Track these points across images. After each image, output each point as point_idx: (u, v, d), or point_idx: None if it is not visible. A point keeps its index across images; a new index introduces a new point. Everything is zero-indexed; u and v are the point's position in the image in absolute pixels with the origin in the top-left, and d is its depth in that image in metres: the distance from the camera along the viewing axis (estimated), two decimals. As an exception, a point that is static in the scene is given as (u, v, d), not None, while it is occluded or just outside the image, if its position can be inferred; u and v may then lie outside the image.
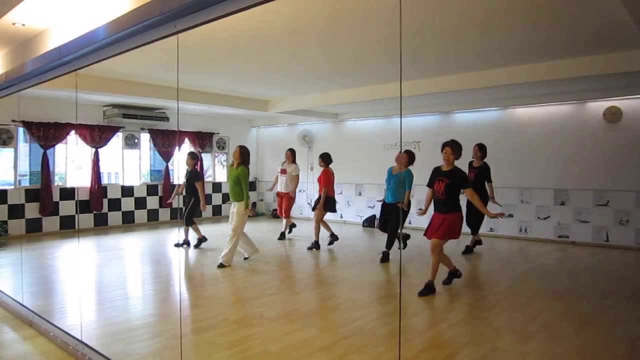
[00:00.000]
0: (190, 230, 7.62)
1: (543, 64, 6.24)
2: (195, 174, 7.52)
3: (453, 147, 4.95)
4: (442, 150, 5.00)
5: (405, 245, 6.89)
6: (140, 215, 10.41)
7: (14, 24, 4.83)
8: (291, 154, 8.31)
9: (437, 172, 5.05)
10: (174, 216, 10.90)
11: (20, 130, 8.76)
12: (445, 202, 4.88)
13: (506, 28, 4.88)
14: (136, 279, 6.22)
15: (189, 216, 7.55)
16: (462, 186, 4.94)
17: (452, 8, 4.33)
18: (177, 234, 9.78)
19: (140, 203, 10.41)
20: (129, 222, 10.20)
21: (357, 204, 10.80)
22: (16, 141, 8.67)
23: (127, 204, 10.21)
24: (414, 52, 5.75)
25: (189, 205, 7.50)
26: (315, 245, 7.40)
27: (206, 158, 11.64)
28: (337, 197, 10.92)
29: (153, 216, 10.61)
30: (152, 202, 10.62)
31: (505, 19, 4.61)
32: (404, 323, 4.11)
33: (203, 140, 11.32)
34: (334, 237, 7.66)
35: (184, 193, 7.68)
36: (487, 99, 8.47)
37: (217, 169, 11.96)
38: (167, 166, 10.73)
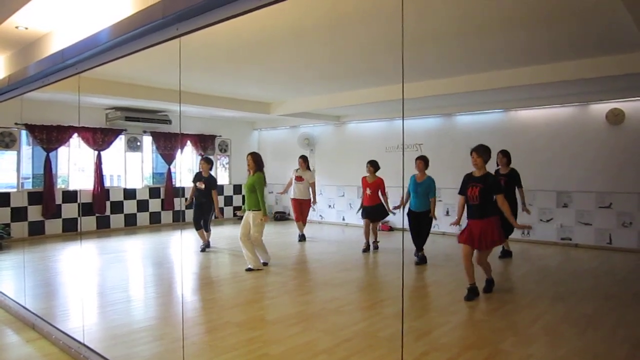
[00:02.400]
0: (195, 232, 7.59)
1: (545, 66, 6.24)
2: (213, 181, 7.45)
3: (479, 152, 4.91)
4: (471, 155, 4.98)
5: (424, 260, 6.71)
6: (143, 218, 10.42)
7: (17, 27, 4.85)
8: (304, 161, 8.55)
9: (469, 178, 5.00)
10: (177, 219, 10.91)
11: (23, 133, 8.79)
12: (481, 206, 4.85)
13: (508, 30, 4.89)
14: (138, 282, 6.22)
15: (206, 221, 7.47)
16: (495, 192, 4.91)
17: (454, 10, 4.34)
18: (179, 236, 9.80)
19: (142, 206, 10.42)
20: (131, 224, 10.20)
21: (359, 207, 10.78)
22: (19, 144, 8.69)
23: (130, 206, 10.22)
24: (416, 54, 5.75)
25: (204, 210, 7.40)
26: (374, 246, 7.54)
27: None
28: (339, 200, 11.03)
29: (155, 219, 10.61)
30: (155, 205, 10.62)
31: (507, 21, 4.61)
32: (407, 326, 4.10)
33: (205, 143, 11.33)
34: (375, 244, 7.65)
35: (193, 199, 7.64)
36: (489, 101, 8.45)
37: (219, 172, 11.96)
38: (169, 169, 10.74)
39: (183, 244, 8.76)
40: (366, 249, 7.41)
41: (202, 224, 7.47)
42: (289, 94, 9.03)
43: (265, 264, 6.26)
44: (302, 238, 8.50)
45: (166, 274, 6.48)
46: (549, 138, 8.22)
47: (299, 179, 8.49)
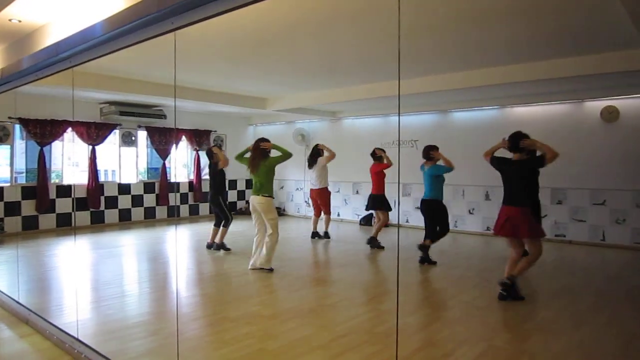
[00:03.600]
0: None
1: (541, 63, 6.25)
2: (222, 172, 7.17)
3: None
4: (517, 146, 5.06)
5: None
6: (137, 213, 10.38)
7: (10, 20, 4.80)
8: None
9: (508, 160, 4.98)
10: (171, 214, 10.88)
11: (17, 127, 8.72)
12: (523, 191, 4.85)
13: (504, 26, 4.88)
14: (133, 277, 6.20)
15: (227, 219, 6.96)
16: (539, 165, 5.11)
17: (450, 5, 4.33)
18: (174, 231, 9.77)
19: (137, 201, 10.38)
20: (125, 219, 10.17)
21: (354, 203, 10.81)
22: (12, 138, 8.63)
23: (124, 201, 10.18)
24: (412, 50, 5.74)
25: (218, 203, 7.01)
26: (378, 245, 7.31)
27: (202, 155, 11.58)
28: (334, 196, 11.00)
29: (150, 214, 10.58)
30: (149, 200, 10.59)
31: (503, 18, 4.61)
32: (401, 321, 4.12)
33: (200, 138, 11.29)
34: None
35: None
36: (484, 97, 8.46)
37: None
38: (164, 164, 10.70)
39: (177, 239, 8.75)
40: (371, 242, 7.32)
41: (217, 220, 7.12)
42: (284, 89, 9.00)
43: (271, 270, 5.98)
44: (315, 235, 8.17)
45: (161, 269, 6.47)
46: (544, 135, 8.14)
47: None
